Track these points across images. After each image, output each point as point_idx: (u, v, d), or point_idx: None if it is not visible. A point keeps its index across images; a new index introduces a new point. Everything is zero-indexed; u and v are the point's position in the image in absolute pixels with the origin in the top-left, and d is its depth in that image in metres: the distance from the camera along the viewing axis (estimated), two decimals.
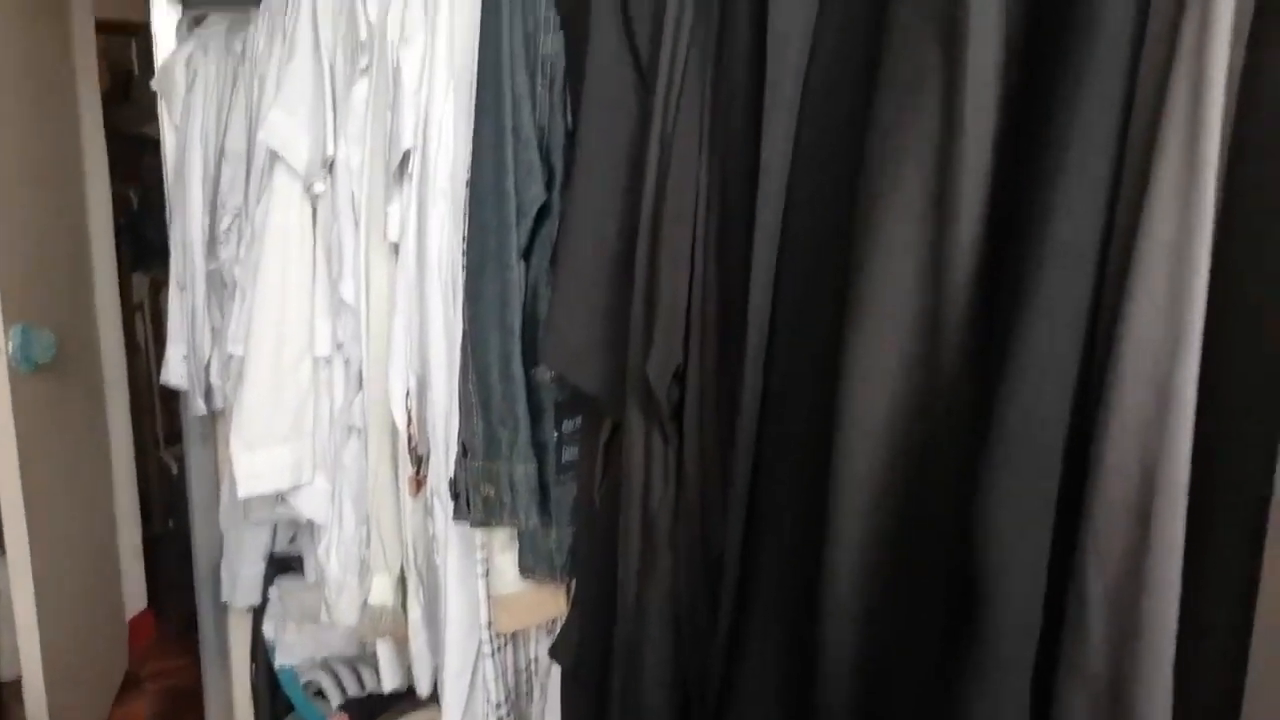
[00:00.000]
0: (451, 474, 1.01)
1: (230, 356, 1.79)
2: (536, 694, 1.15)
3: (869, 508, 0.58)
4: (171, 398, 3.23)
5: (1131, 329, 0.46)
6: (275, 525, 2.22)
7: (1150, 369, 0.45)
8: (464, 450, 0.99)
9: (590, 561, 0.95)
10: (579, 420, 0.99)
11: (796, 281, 0.66)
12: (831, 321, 0.60)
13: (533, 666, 1.15)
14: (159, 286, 3.24)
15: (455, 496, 0.99)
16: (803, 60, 0.65)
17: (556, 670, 1.13)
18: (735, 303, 0.70)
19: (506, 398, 0.94)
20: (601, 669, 0.91)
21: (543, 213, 0.96)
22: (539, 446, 0.97)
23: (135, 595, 2.93)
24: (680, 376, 0.75)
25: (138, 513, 2.96)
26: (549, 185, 0.94)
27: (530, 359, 0.96)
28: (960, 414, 0.54)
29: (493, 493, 0.95)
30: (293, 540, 2.26)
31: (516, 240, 0.93)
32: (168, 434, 3.39)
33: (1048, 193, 0.49)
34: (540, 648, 1.14)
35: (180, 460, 3.13)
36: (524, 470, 0.94)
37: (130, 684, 2.74)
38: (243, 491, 1.49)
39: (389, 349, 1.21)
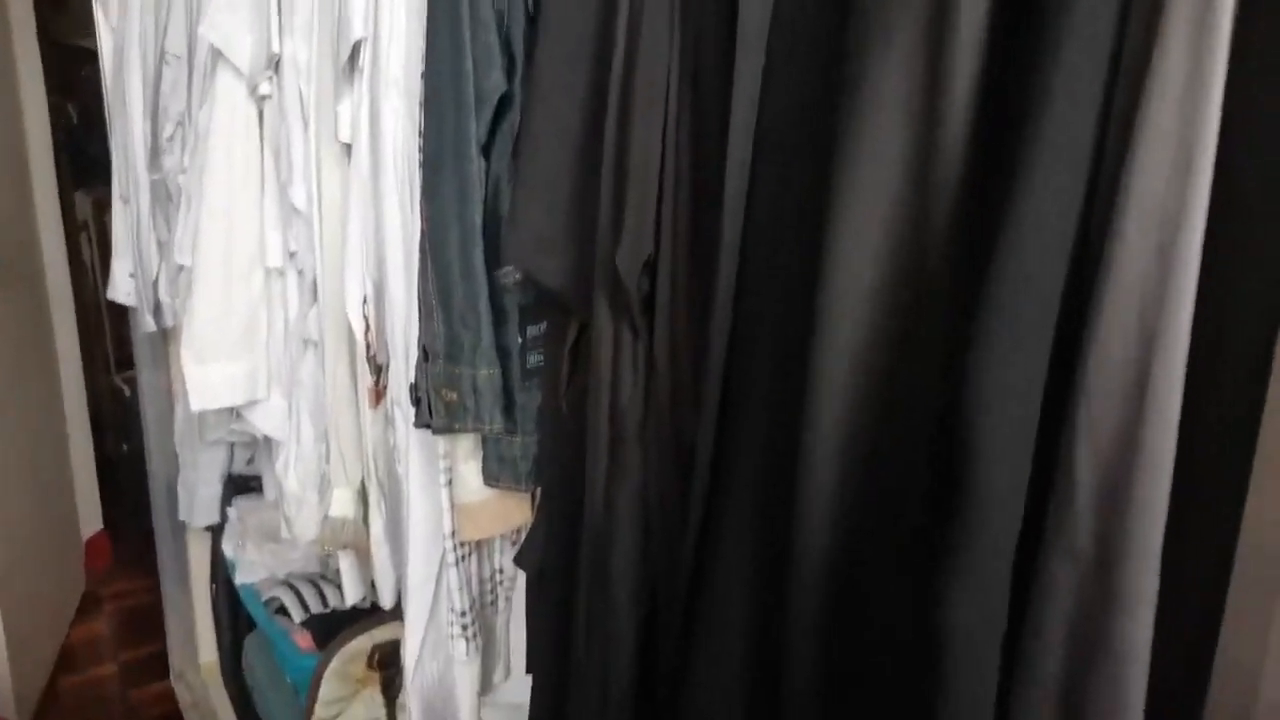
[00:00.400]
0: (412, 379, 0.97)
1: (179, 269, 1.71)
2: (501, 604, 1.13)
3: (848, 390, 0.55)
4: (122, 321, 3.13)
5: (1136, 185, 0.43)
6: (232, 445, 2.16)
7: (1155, 230, 0.42)
8: (424, 354, 0.94)
9: (556, 466, 0.92)
10: (544, 326, 0.95)
11: (774, 163, 0.62)
12: (812, 201, 0.57)
13: (498, 576, 1.13)
14: (103, 206, 3.11)
15: (416, 402, 0.95)
16: None
17: (522, 580, 1.11)
18: (709, 188, 0.66)
19: (468, 297, 0.90)
20: (567, 576, 0.89)
21: (504, 105, 0.90)
22: (503, 351, 0.93)
23: (91, 516, 2.88)
24: (650, 267, 0.71)
25: (89, 434, 2.89)
26: (509, 75, 0.88)
27: (492, 260, 0.92)
28: (948, 290, 0.51)
29: (455, 397, 0.91)
30: (250, 461, 2.21)
31: (476, 131, 0.88)
32: (119, 358, 3.29)
33: (1050, 44, 0.45)
34: (505, 558, 1.12)
35: (133, 383, 3.06)
36: (487, 374, 0.90)
37: (89, 604, 2.70)
38: (195, 405, 1.43)
39: (344, 255, 1.15)
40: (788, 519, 0.60)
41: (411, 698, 1.08)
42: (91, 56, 2.24)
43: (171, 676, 2.38)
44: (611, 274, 0.72)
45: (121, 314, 3.04)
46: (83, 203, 3.21)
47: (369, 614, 1.75)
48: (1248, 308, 0.44)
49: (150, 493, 2.30)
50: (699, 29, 0.68)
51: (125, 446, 3.10)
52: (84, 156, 3.18)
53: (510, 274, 0.92)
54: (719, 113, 0.65)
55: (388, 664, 1.62)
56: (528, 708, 1.18)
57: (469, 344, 0.90)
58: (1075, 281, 0.46)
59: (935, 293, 0.52)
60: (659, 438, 0.74)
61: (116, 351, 3.31)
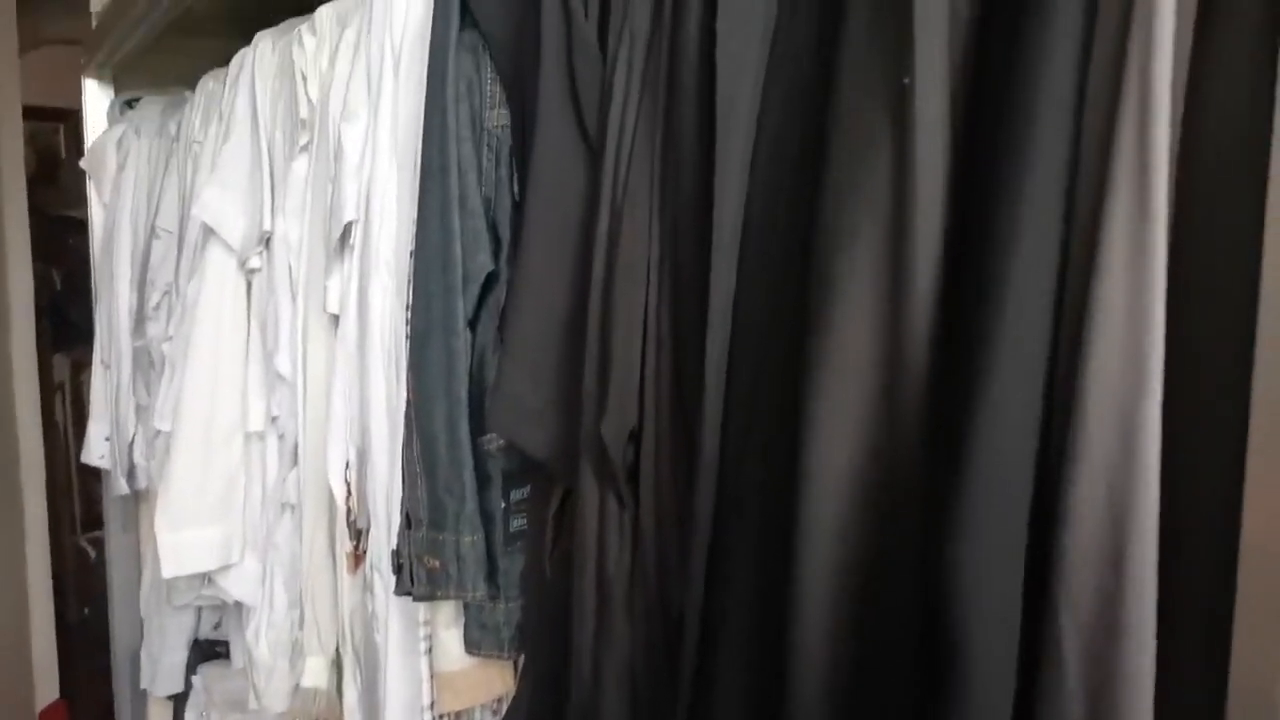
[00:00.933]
0: (394, 546, 0.96)
1: (157, 433, 1.71)
2: None
3: (834, 559, 0.56)
4: (90, 482, 3.07)
5: (1092, 368, 0.45)
6: (200, 609, 2.10)
7: (1114, 410, 0.45)
8: (407, 521, 0.94)
9: (541, 633, 0.91)
10: (527, 490, 0.95)
11: (753, 338, 0.65)
12: (789, 377, 0.59)
13: None
14: (81, 368, 3.11)
15: (398, 569, 0.94)
16: (751, 123, 0.65)
17: None
18: (691, 361, 0.69)
19: (453, 466, 0.91)
20: None
21: (490, 281, 0.94)
22: (486, 516, 0.93)
23: (48, 685, 2.74)
24: (634, 437, 0.73)
25: (50, 598, 2.78)
26: (495, 255, 0.92)
27: (476, 427, 0.93)
28: (923, 464, 0.53)
29: (438, 564, 0.91)
30: (217, 626, 2.14)
31: (463, 307, 0.91)
32: (85, 519, 3.22)
33: (1004, 234, 0.48)
34: None
35: (98, 546, 2.98)
36: (471, 540, 0.90)
37: None
38: (167, 572, 1.40)
39: (327, 421, 1.16)
40: (780, 694, 0.60)
41: None
42: (79, 226, 2.29)
43: None
44: (596, 444, 0.74)
45: (91, 474, 2.98)
46: (61, 365, 3.22)
47: None
48: (1212, 466, 0.46)
49: (112, 659, 2.21)
50: (675, 217, 0.72)
51: (86, 610, 2.99)
52: (64, 321, 3.21)
53: (494, 440, 0.93)
54: (698, 291, 0.69)
55: None
56: None
57: (453, 510, 0.91)
58: (1044, 460, 0.48)
59: (910, 479, 0.53)
60: (646, 606, 0.73)
61: (84, 512, 3.24)
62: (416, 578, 0.92)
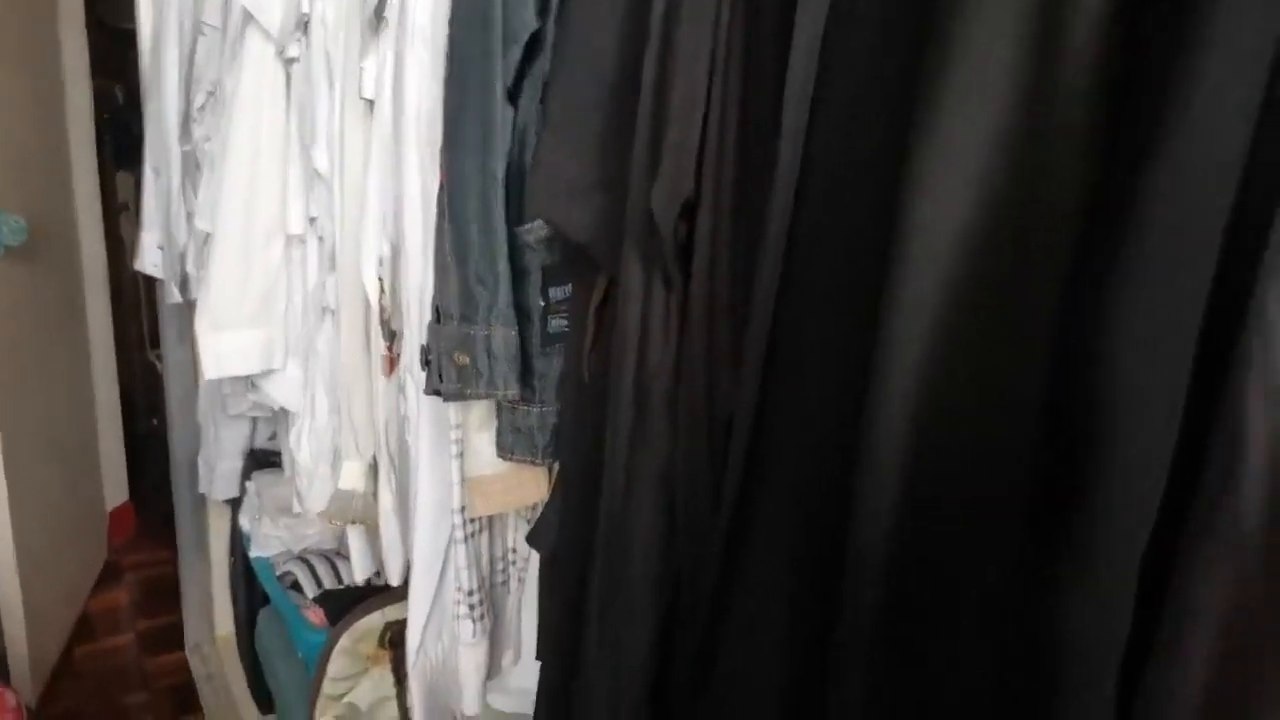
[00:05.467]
0: (424, 341, 0.86)
1: (206, 237, 1.61)
2: (513, 584, 1.01)
3: (928, 347, 0.44)
4: (159, 300, 3.04)
5: None
6: (255, 420, 2.06)
7: None
8: (437, 315, 0.83)
9: (576, 438, 0.80)
10: (568, 288, 0.83)
11: (845, 79, 0.50)
12: (893, 123, 0.45)
13: (510, 555, 1.01)
14: None
15: (426, 365, 0.84)
16: None
17: (536, 560, 1.00)
18: (762, 120, 0.55)
19: (486, 253, 0.78)
20: (583, 558, 0.77)
21: (534, 48, 0.79)
22: (521, 313, 0.81)
23: (117, 488, 2.78)
24: (689, 210, 0.60)
25: (118, 409, 2.79)
26: (542, 12, 0.77)
27: (515, 217, 0.80)
28: (1073, 216, 0.39)
29: (468, 360, 0.80)
30: (272, 437, 2.11)
31: (502, 74, 0.77)
32: (154, 335, 3.20)
33: None
34: (519, 536, 1.00)
35: None
36: (503, 335, 0.79)
37: (110, 574, 2.60)
38: (209, 373, 1.32)
39: (362, 217, 1.04)
40: (844, 504, 0.48)
41: (413, 681, 0.96)
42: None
43: (186, 648, 2.27)
44: (644, 219, 0.60)
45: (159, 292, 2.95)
46: (125, 183, 3.12)
47: (382, 591, 1.64)
48: None
49: (171, 464, 2.20)
50: None
51: (155, 421, 3.00)
52: (129, 137, 3.09)
53: (534, 230, 0.80)
54: (777, 32, 0.54)
55: (399, 643, 1.50)
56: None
57: (484, 303, 0.79)
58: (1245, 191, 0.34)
59: (1054, 221, 0.40)
60: (690, 407, 0.62)
61: (153, 328, 3.22)
62: (445, 374, 0.82)
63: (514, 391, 0.79)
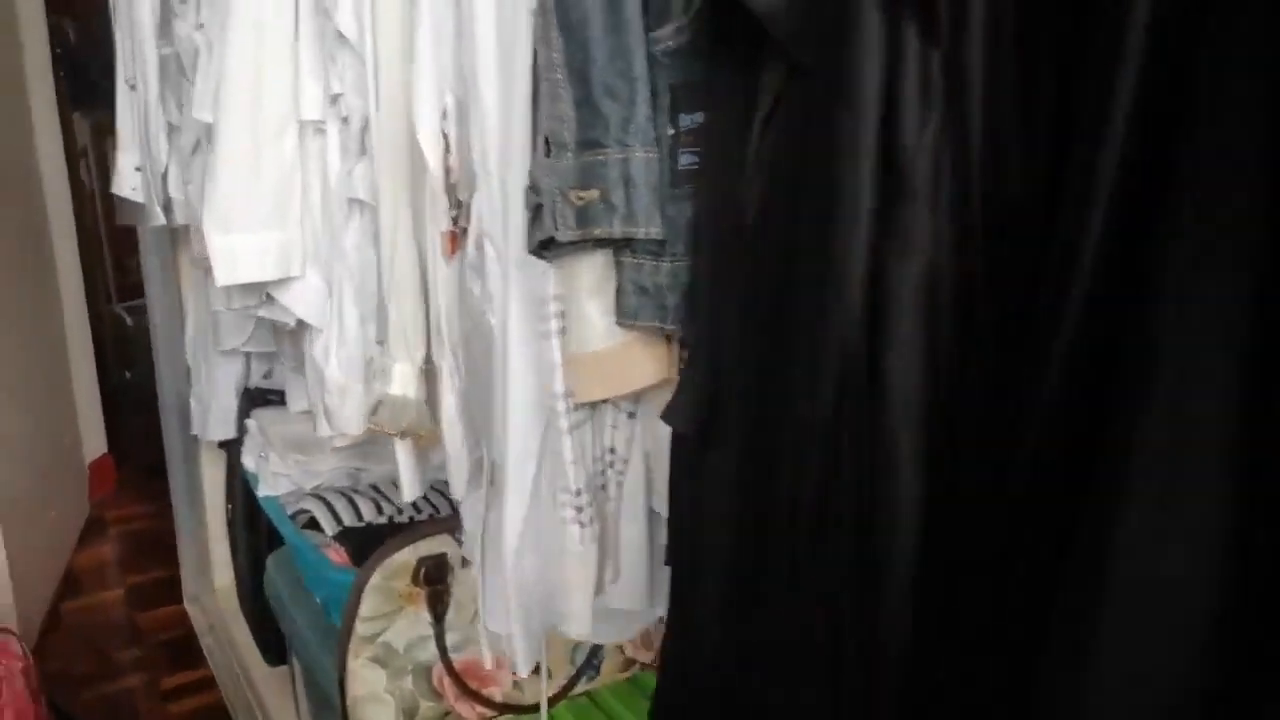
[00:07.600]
0: (527, 182, 0.68)
1: (194, 145, 1.40)
2: (613, 490, 0.84)
3: None
4: (123, 250, 2.78)
5: None
6: (249, 357, 1.85)
7: None
8: (547, 148, 0.65)
9: (720, 296, 0.64)
10: (701, 117, 0.66)
11: None
12: None
13: (608, 457, 0.84)
14: (103, 131, 2.74)
15: (536, 210, 0.66)
16: None
17: (641, 468, 0.83)
18: None
19: (616, 58, 0.61)
20: (766, 430, 0.59)
21: None
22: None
23: (95, 440, 2.55)
24: None
25: (92, 358, 2.56)
26: None
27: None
28: None
29: (596, 194, 0.63)
30: (268, 375, 1.91)
31: None
32: (120, 287, 2.95)
33: None
34: (619, 435, 0.83)
35: (134, 313, 2.74)
36: (644, 157, 0.62)
37: (94, 529, 2.38)
38: (221, 279, 1.13)
39: (413, 68, 0.85)
40: None
41: (512, 599, 0.80)
42: None
43: (185, 600, 2.08)
44: None
45: (122, 242, 2.69)
46: (81, 127, 2.84)
47: (408, 527, 1.46)
48: None
49: (160, 406, 1.98)
50: None
51: (128, 374, 2.76)
52: (83, 78, 2.80)
53: (667, 37, 0.63)
54: None
55: (435, 579, 1.33)
56: (640, 618, 0.91)
57: (617, 119, 0.62)
58: None
59: None
60: (963, 210, 0.45)
61: (118, 280, 2.97)
62: (561, 218, 0.64)
63: (658, 230, 0.63)
